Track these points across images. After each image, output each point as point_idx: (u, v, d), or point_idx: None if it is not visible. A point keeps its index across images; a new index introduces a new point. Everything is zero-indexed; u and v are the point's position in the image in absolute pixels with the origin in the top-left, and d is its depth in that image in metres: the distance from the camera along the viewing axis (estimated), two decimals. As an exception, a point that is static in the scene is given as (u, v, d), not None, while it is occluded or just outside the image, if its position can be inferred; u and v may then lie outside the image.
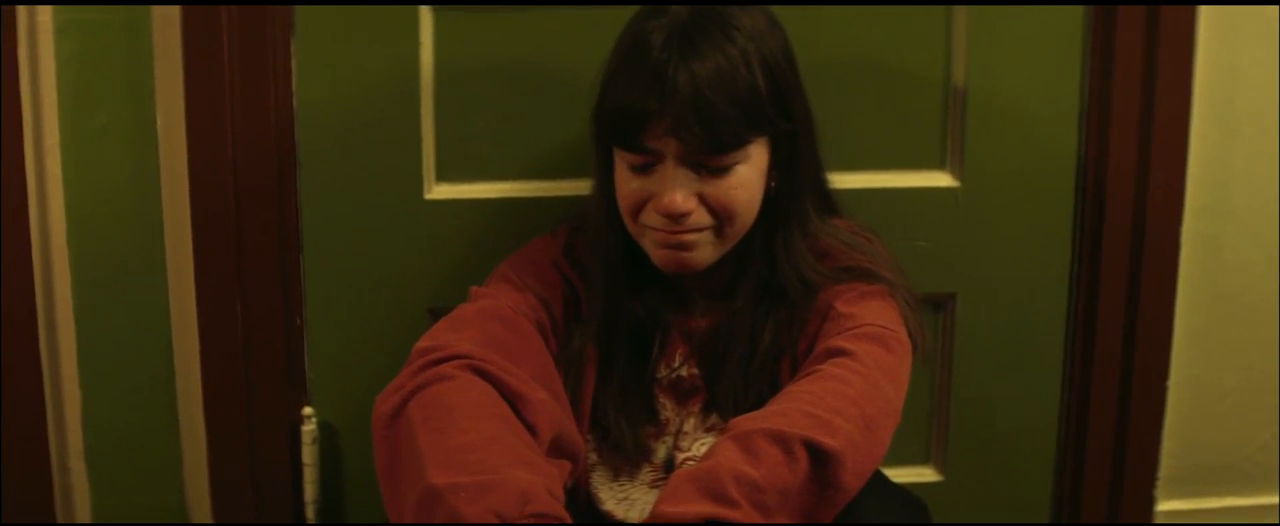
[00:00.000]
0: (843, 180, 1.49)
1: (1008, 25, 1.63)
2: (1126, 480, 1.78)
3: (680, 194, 1.26)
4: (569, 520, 1.08)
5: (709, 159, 1.26)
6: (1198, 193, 1.72)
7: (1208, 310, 1.78)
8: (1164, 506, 1.84)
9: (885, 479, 1.25)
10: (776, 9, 1.35)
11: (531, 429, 1.17)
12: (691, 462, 1.37)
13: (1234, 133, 1.72)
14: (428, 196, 1.62)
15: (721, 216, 1.29)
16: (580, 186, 1.42)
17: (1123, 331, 1.73)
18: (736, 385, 1.35)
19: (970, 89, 1.64)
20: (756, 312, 1.35)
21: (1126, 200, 1.69)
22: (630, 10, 1.33)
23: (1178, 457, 1.83)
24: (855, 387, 1.19)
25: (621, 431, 1.37)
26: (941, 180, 1.68)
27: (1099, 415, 1.76)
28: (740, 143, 1.26)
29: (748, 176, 1.29)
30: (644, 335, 1.39)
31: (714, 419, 1.39)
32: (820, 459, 1.11)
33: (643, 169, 1.28)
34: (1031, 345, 1.75)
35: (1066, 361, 1.76)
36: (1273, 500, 1.87)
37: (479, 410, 1.15)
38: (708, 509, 1.05)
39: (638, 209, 1.30)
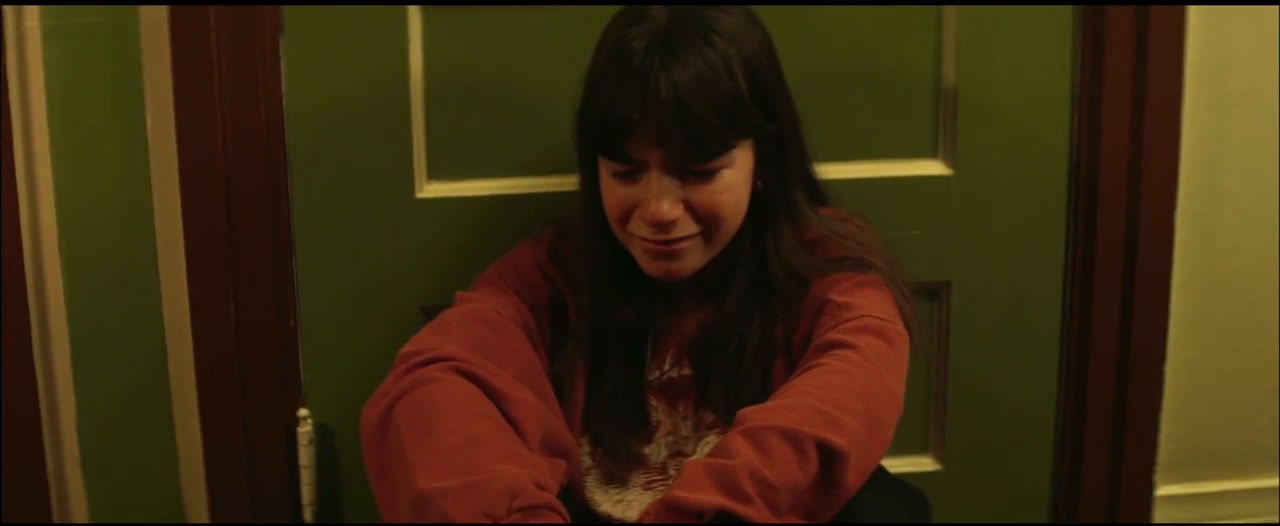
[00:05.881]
0: (836, 170, 1.48)
1: (998, 11, 1.62)
2: (1125, 465, 1.78)
3: (666, 202, 1.26)
4: (560, 506, 1.09)
5: (694, 165, 1.25)
6: (1191, 176, 1.72)
7: (1203, 293, 1.78)
8: (1163, 490, 1.84)
9: (883, 471, 1.25)
10: (767, -3, 1.35)
11: (517, 427, 1.17)
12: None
13: (1226, 115, 1.72)
14: (419, 195, 1.61)
15: (708, 222, 1.29)
16: (572, 183, 1.42)
17: (1119, 316, 1.73)
18: (727, 383, 1.35)
19: (962, 76, 1.64)
20: (747, 309, 1.34)
21: (1120, 184, 1.68)
22: (617, 7, 1.32)
23: (1176, 441, 1.83)
24: (860, 382, 1.18)
25: (614, 439, 1.37)
26: (935, 168, 1.67)
27: (1097, 400, 1.75)
28: (724, 148, 1.25)
29: (733, 180, 1.28)
30: (634, 339, 1.39)
31: (711, 417, 1.39)
32: (829, 458, 1.11)
33: (627, 176, 1.28)
34: (1028, 332, 1.74)
35: (1063, 347, 1.75)
36: (1273, 482, 1.88)
37: (464, 410, 1.15)
38: (722, 501, 1.05)
39: (625, 217, 1.30)
